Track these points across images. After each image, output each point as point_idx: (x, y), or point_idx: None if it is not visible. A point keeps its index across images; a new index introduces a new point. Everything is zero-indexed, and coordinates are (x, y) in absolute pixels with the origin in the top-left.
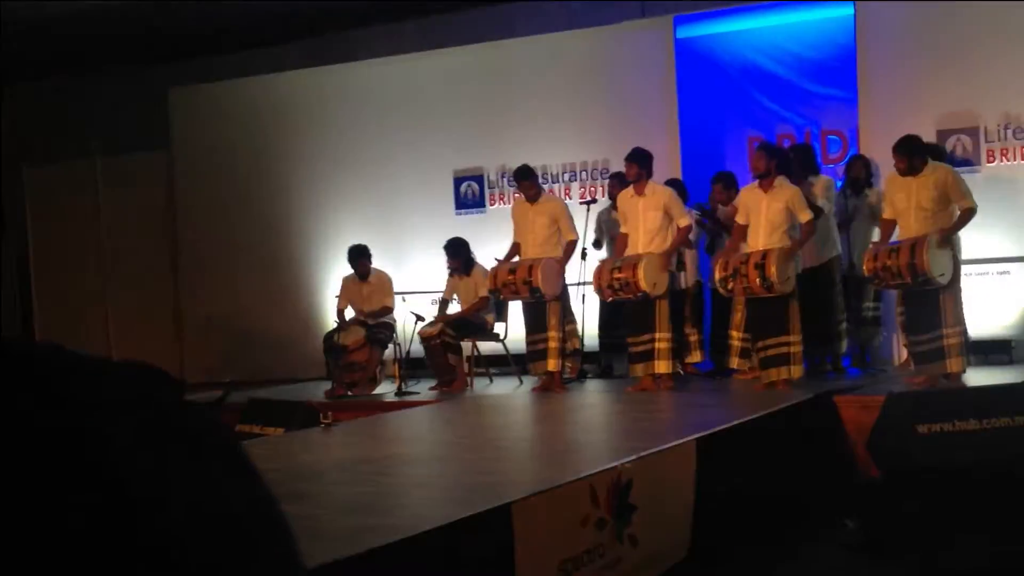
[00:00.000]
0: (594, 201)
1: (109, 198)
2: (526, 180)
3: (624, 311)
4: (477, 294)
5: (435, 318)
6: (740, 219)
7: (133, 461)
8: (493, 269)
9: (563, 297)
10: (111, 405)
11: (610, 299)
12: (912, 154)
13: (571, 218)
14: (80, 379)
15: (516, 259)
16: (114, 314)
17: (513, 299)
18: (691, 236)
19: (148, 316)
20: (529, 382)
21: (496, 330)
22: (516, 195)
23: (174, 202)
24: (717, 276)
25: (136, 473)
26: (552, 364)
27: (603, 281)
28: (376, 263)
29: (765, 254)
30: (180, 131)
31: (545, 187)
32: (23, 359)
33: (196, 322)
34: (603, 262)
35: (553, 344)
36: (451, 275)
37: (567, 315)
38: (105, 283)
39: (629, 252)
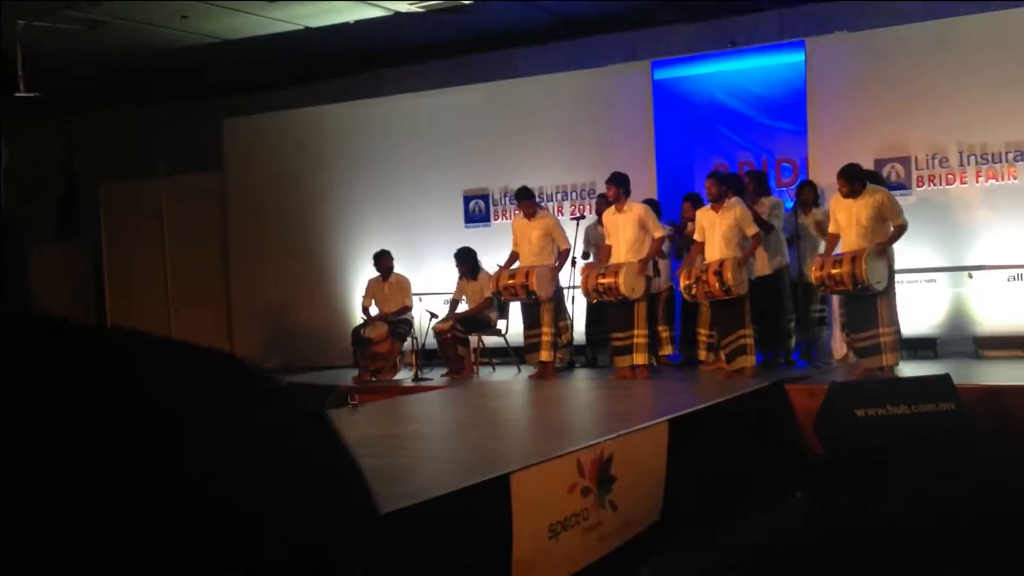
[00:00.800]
0: (583, 217)
1: (171, 212)
2: (526, 200)
3: (607, 311)
4: (483, 295)
5: (447, 315)
6: (697, 236)
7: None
8: (495, 274)
9: (556, 298)
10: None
11: (595, 301)
12: (854, 179)
13: (563, 230)
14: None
15: (515, 266)
16: (175, 307)
17: (512, 300)
18: (664, 247)
19: (204, 311)
20: (526, 371)
21: (498, 326)
22: (516, 212)
23: (226, 216)
24: (682, 284)
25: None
26: (546, 355)
27: (590, 285)
28: (397, 268)
29: (722, 262)
30: (232, 156)
31: (541, 204)
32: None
33: (244, 316)
34: (589, 268)
35: (546, 338)
36: (460, 278)
37: (560, 313)
38: (167, 281)
39: (612, 261)
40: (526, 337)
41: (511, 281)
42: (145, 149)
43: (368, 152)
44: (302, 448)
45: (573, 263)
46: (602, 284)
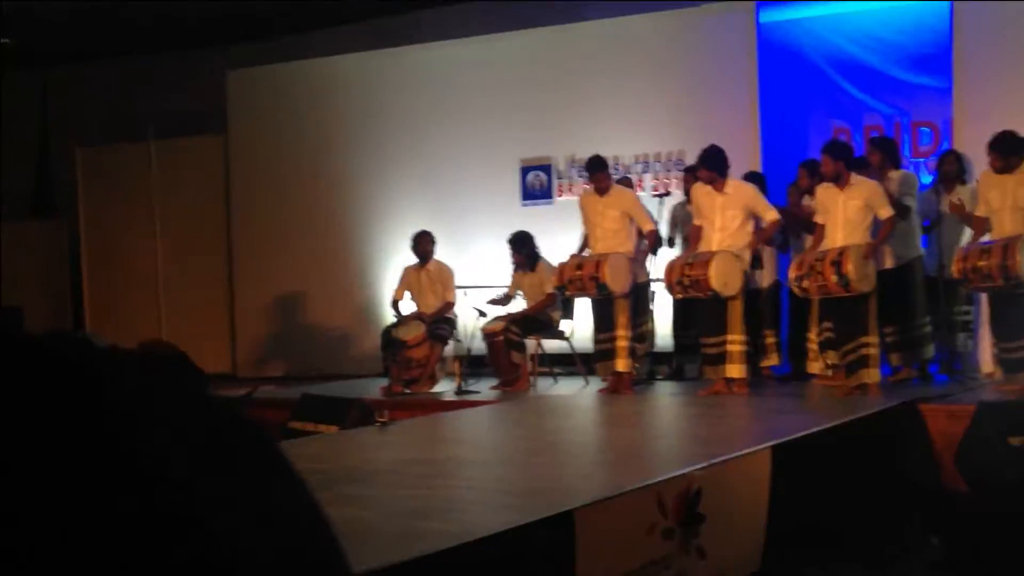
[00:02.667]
0: (667, 194)
1: (162, 182)
2: (599, 172)
3: (697, 311)
4: (543, 290)
5: (499, 314)
6: (818, 218)
7: (161, 464)
8: (560, 264)
9: (635, 294)
10: (137, 405)
11: (679, 296)
12: (1010, 151)
13: (646, 209)
14: (105, 377)
15: (586, 253)
16: (166, 301)
17: (580, 296)
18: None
19: (200, 304)
20: (596, 383)
21: (562, 328)
22: (586, 186)
23: (229, 187)
24: (792, 275)
25: (166, 478)
26: (621, 364)
27: (674, 277)
28: (438, 255)
29: (842, 251)
30: (237, 116)
31: (617, 176)
32: (45, 354)
33: (249, 312)
34: (676, 258)
35: (622, 343)
36: (516, 269)
37: (639, 313)
38: (157, 268)
39: (702, 248)
40: (596, 342)
41: (578, 273)
42: (132, 108)
43: (402, 113)
44: (233, 486)
45: (654, 250)
46: (689, 276)
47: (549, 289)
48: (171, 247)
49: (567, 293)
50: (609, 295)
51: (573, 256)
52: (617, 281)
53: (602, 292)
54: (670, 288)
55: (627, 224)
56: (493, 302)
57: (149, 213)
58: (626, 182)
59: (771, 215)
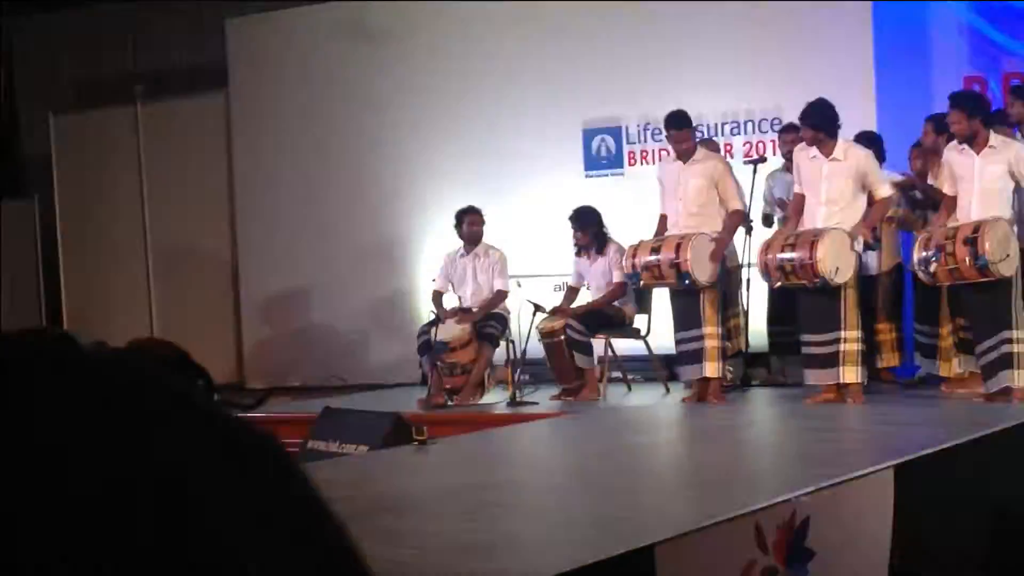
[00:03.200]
0: (763, 160)
1: (152, 153)
2: (680, 130)
3: (800, 302)
4: (613, 278)
5: (559, 308)
6: (948, 188)
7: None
8: (632, 247)
9: (723, 284)
10: (135, 415)
11: (779, 284)
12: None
13: (737, 182)
14: (97, 385)
15: (667, 235)
16: (158, 294)
17: (657, 286)
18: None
19: (199, 298)
20: (678, 390)
21: (636, 324)
22: (664, 153)
23: (232, 158)
24: (916, 256)
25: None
26: (709, 369)
27: (771, 261)
28: (487, 237)
29: (979, 226)
30: (240, 71)
31: (704, 137)
32: (30, 360)
33: (259, 307)
34: (773, 235)
35: (710, 343)
36: (579, 254)
37: (729, 307)
38: (146, 255)
39: (806, 223)
40: (678, 342)
41: (655, 258)
42: (114, 66)
43: (438, 65)
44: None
45: (748, 229)
46: (791, 260)
47: (619, 277)
48: (163, 230)
49: (641, 283)
50: (693, 285)
51: (647, 239)
52: (703, 268)
53: (684, 281)
54: (767, 274)
55: (715, 197)
56: (555, 310)
57: (136, 190)
58: (712, 146)
59: (883, 189)
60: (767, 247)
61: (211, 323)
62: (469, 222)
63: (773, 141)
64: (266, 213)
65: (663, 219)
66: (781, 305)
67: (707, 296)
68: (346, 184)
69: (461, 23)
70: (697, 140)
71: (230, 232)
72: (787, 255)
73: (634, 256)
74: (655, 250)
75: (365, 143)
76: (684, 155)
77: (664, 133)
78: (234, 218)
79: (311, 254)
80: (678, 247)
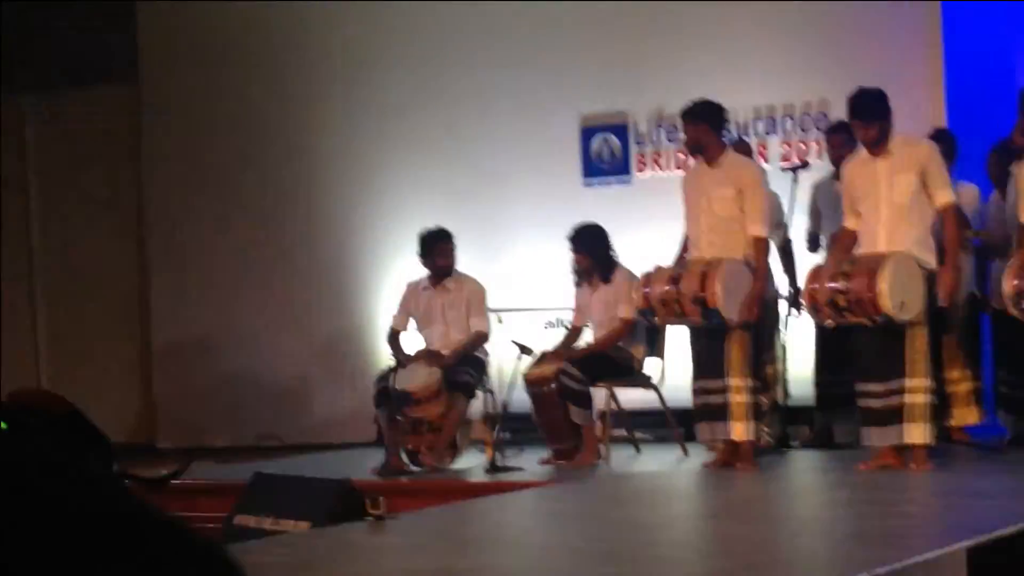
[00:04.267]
0: (804, 166)
1: (42, 155)
2: (703, 122)
3: (858, 344)
4: (619, 313)
5: (552, 350)
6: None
7: None
8: (646, 276)
9: (759, 323)
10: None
11: (832, 324)
12: None
13: (769, 198)
14: None
15: (689, 260)
16: (47, 334)
17: (675, 324)
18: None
19: (100, 340)
20: (698, 453)
21: (646, 370)
22: (681, 156)
23: (142, 165)
24: (1007, 287)
25: None
26: (736, 430)
27: (820, 294)
28: (459, 264)
29: None
30: (153, 60)
31: (733, 138)
32: None
33: (173, 350)
34: (823, 263)
35: (737, 398)
36: (579, 283)
37: (763, 350)
38: (34, 286)
39: (865, 247)
40: (697, 392)
41: (675, 289)
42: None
43: (401, 53)
44: None
45: (786, 252)
46: (845, 293)
47: (625, 312)
48: (54, 251)
49: (656, 319)
50: (721, 324)
51: (665, 265)
52: (733, 303)
53: (711, 319)
54: (815, 310)
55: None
56: (546, 353)
57: (22, 201)
58: (744, 150)
59: (944, 196)
60: (815, 276)
61: (114, 368)
62: (439, 252)
63: (818, 143)
64: (183, 233)
65: (686, 240)
66: (831, 347)
67: (736, 338)
68: (287, 200)
69: (431, 9)
70: (727, 141)
71: (138, 255)
72: (840, 286)
73: (647, 286)
74: (674, 280)
75: (308, 149)
76: (711, 159)
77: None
78: (142, 238)
79: (240, 284)
80: (704, 277)
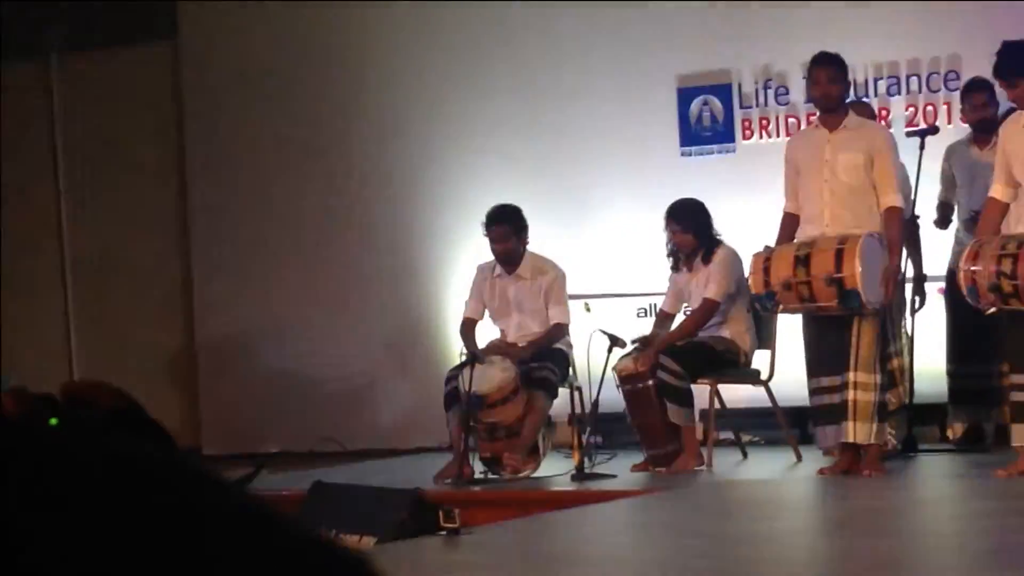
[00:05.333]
0: (933, 131)
1: (73, 122)
2: (842, 75)
3: (1006, 330)
4: (722, 298)
5: (645, 340)
6: None
7: None
8: (762, 256)
9: (887, 309)
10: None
11: (991, 310)
12: None
13: (902, 165)
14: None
15: (817, 237)
16: (81, 328)
17: (802, 311)
18: None
19: (139, 335)
20: (814, 457)
21: (754, 364)
22: (792, 119)
23: (184, 137)
24: (961, 275)
25: None
26: (859, 432)
27: (983, 278)
28: (538, 246)
29: None
30: (193, 15)
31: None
32: None
33: (222, 349)
34: (976, 242)
35: (862, 396)
36: (676, 266)
37: (889, 341)
38: (65, 273)
39: (1017, 223)
40: (814, 391)
41: (803, 270)
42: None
43: (470, 13)
44: None
45: (914, 225)
46: (1013, 278)
47: (713, 292)
48: (87, 236)
49: (779, 306)
50: (859, 308)
51: (785, 244)
52: (872, 283)
53: (848, 303)
54: (974, 293)
55: (870, 184)
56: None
57: (49, 172)
58: (866, 111)
59: None
60: (974, 256)
61: (153, 365)
62: (492, 237)
63: (947, 104)
64: (231, 214)
65: (788, 220)
66: (967, 335)
67: (863, 326)
68: (343, 173)
69: None
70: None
71: (180, 237)
72: (1007, 268)
73: (766, 267)
74: (802, 260)
75: (366, 113)
76: (832, 122)
77: (806, 78)
78: (186, 221)
79: (295, 273)
80: (839, 255)
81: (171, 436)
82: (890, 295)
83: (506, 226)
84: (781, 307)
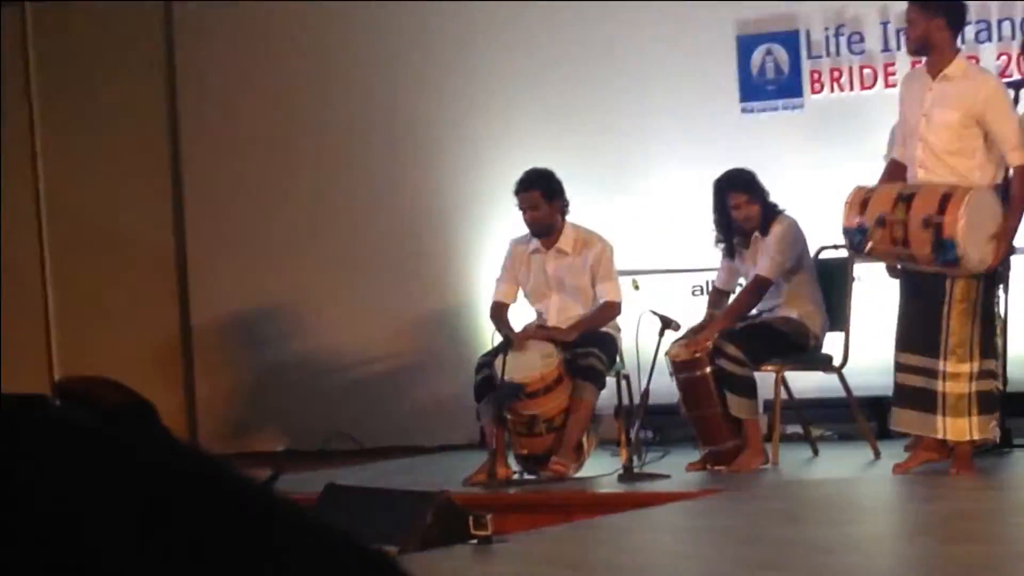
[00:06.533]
0: None
1: (47, 80)
2: (938, 14)
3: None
4: (758, 271)
5: (700, 325)
6: None
7: None
8: (861, 190)
9: (991, 281)
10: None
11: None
12: None
13: (1015, 116)
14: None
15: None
16: (60, 311)
17: (891, 256)
18: None
19: (127, 321)
20: (894, 453)
21: (826, 348)
22: (865, 68)
23: (176, 93)
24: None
25: None
26: (951, 427)
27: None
28: (581, 216)
29: None
30: None
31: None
32: None
33: (220, 336)
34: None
35: (955, 387)
36: (731, 251)
37: (988, 320)
38: (44, 251)
39: None
40: (902, 369)
41: (903, 206)
42: None
43: None
44: None
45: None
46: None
47: (765, 269)
48: (69, 206)
49: (867, 244)
50: (955, 265)
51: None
52: (975, 240)
53: (943, 255)
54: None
55: (976, 142)
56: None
57: (26, 136)
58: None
59: None
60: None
61: (143, 353)
62: (522, 205)
63: None
64: (230, 183)
65: (894, 167)
66: None
67: (955, 294)
68: (361, 140)
69: None
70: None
71: (172, 215)
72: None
73: (865, 200)
74: (904, 198)
75: (386, 69)
76: (936, 66)
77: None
78: (180, 192)
79: (304, 251)
80: (945, 198)
81: (179, 439)
82: (999, 256)
83: (535, 191)
84: (870, 245)
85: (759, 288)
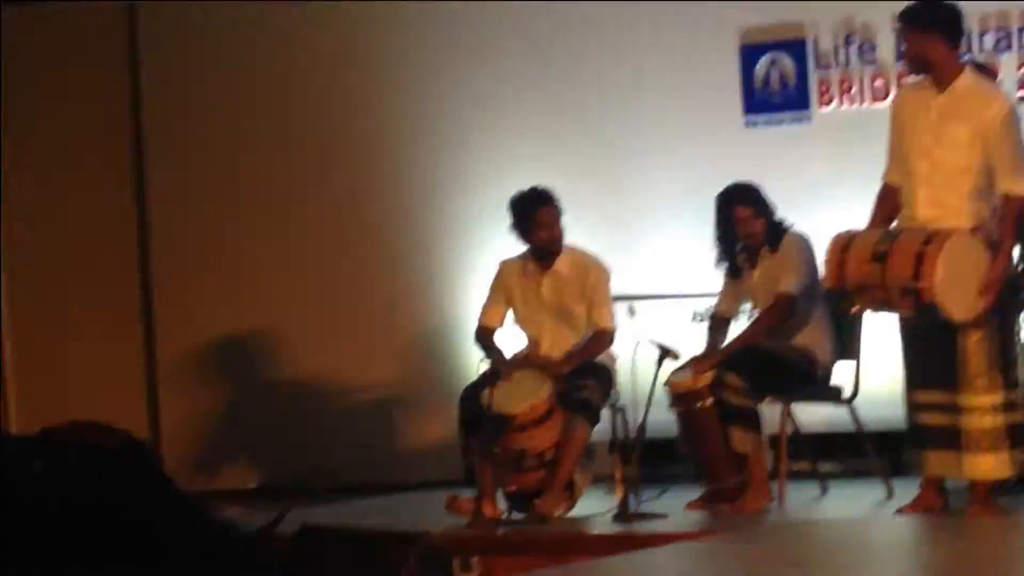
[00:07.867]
0: None
1: (16, 87)
2: (933, 30)
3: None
4: (779, 288)
5: (703, 355)
6: None
7: None
8: (840, 242)
9: (1004, 309)
10: None
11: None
12: None
13: (1020, 140)
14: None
15: (900, 230)
16: (17, 335)
17: (879, 311)
18: None
19: (89, 347)
20: (908, 493)
21: (835, 379)
22: (877, 80)
23: (142, 104)
24: None
25: None
26: (980, 465)
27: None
28: (575, 236)
29: None
30: None
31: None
32: None
33: (188, 364)
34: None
35: (979, 421)
36: (734, 269)
37: (1007, 352)
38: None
39: None
40: (914, 407)
41: (878, 269)
42: None
43: None
44: None
45: None
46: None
47: (788, 286)
48: (27, 219)
49: (853, 306)
50: (938, 317)
51: (865, 231)
52: (959, 295)
53: (930, 317)
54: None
55: (983, 162)
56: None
57: None
58: (984, 74)
59: None
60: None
61: (106, 384)
62: (540, 221)
63: None
64: (200, 204)
65: (887, 193)
66: None
67: (973, 336)
68: (338, 158)
69: None
70: (965, 60)
71: (137, 229)
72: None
73: (841, 260)
74: (879, 256)
75: (365, 85)
76: (942, 78)
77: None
78: (145, 205)
79: (276, 274)
80: (918, 259)
81: (171, 480)
82: (988, 304)
83: (555, 207)
84: (856, 307)
85: (785, 307)
